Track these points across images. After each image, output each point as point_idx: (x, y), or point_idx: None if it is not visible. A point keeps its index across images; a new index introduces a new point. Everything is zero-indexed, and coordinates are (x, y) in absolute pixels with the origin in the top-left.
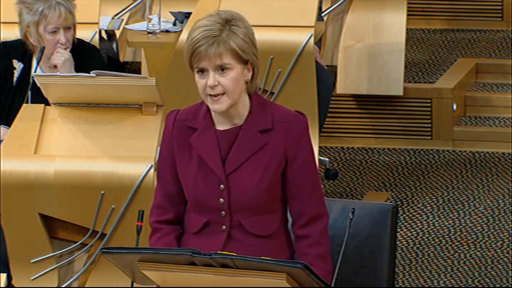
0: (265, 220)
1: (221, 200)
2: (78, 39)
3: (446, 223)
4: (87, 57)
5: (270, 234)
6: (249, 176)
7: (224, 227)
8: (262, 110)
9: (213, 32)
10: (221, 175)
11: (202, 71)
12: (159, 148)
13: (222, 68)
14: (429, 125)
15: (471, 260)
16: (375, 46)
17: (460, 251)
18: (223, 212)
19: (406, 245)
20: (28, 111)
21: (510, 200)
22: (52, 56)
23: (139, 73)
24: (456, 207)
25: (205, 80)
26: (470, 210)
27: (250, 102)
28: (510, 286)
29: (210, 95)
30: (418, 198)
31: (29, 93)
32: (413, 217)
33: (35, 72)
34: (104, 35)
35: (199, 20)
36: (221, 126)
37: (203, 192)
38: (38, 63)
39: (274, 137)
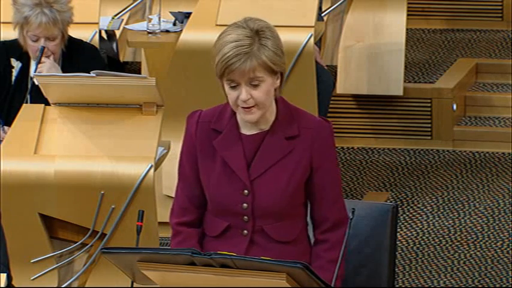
0: (287, 226)
1: (244, 205)
2: (76, 39)
3: (446, 223)
4: (86, 57)
5: (292, 240)
6: (273, 182)
7: (246, 231)
8: (288, 116)
9: (244, 47)
10: (246, 180)
11: (234, 84)
12: (161, 148)
13: (254, 82)
14: (429, 125)
15: (471, 260)
16: (375, 46)
17: (460, 251)
18: (245, 217)
19: (406, 245)
20: (28, 111)
21: (510, 200)
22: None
23: (139, 73)
24: (456, 207)
25: (237, 93)
26: (470, 210)
27: (277, 108)
28: (510, 286)
29: (242, 107)
30: (418, 198)
31: (28, 96)
32: (413, 217)
33: (34, 72)
34: (104, 35)
35: (226, 32)
36: (247, 130)
37: (226, 196)
38: (37, 64)
39: (300, 144)
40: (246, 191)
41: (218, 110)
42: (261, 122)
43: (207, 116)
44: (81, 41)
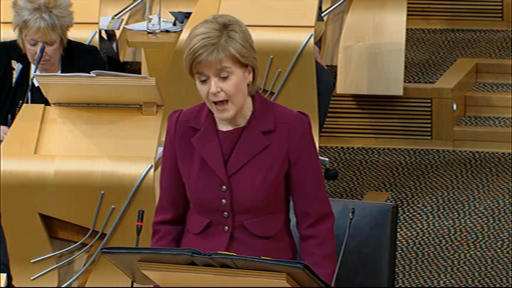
0: (267, 221)
1: (223, 201)
2: (75, 42)
3: (446, 223)
4: (86, 60)
5: (273, 235)
6: (251, 178)
7: (226, 228)
8: (264, 111)
9: (212, 39)
10: (223, 176)
11: (203, 77)
12: (161, 148)
13: (223, 74)
14: (429, 125)
15: (471, 260)
16: (375, 46)
17: (460, 251)
18: (225, 213)
19: (406, 245)
20: (28, 111)
21: (510, 200)
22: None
23: (139, 73)
24: (456, 207)
25: (207, 87)
26: (470, 210)
27: (253, 104)
28: (510, 286)
29: (215, 103)
30: (418, 198)
31: (29, 94)
32: (413, 217)
33: (34, 72)
34: (104, 35)
35: (196, 27)
36: (223, 127)
37: (205, 193)
38: (37, 63)
39: (276, 138)
40: (224, 187)
41: (196, 108)
42: (237, 118)
43: (186, 115)
44: (81, 43)
